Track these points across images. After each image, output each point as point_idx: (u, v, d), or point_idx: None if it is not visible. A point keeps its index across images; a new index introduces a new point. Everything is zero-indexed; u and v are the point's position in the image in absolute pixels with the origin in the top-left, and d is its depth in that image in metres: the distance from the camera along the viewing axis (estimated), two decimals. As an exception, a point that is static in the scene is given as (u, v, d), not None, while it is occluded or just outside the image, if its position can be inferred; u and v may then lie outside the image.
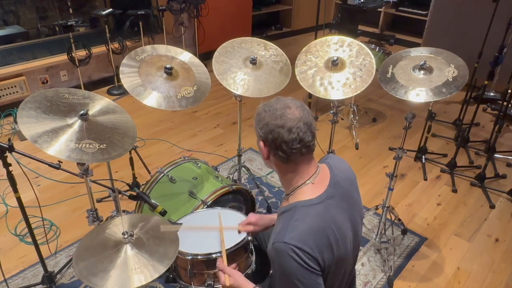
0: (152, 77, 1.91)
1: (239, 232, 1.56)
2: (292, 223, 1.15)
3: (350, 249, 1.25)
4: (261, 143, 1.20)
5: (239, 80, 2.09)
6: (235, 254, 1.51)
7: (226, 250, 1.48)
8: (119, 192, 1.75)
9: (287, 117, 1.15)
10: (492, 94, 4.22)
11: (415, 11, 5.73)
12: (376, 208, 2.53)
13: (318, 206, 1.18)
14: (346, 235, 1.23)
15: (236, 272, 1.38)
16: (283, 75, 2.16)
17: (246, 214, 1.66)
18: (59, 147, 1.41)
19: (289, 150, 1.16)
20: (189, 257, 1.50)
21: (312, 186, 1.22)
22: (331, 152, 2.45)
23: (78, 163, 1.54)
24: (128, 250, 1.31)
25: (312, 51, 2.12)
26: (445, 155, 3.31)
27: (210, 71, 2.07)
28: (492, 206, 2.78)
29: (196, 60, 2.11)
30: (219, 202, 1.94)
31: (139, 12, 4.02)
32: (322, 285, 1.15)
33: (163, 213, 1.66)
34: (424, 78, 1.92)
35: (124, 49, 4.16)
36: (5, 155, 1.58)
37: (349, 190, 1.28)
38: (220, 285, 1.46)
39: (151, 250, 1.33)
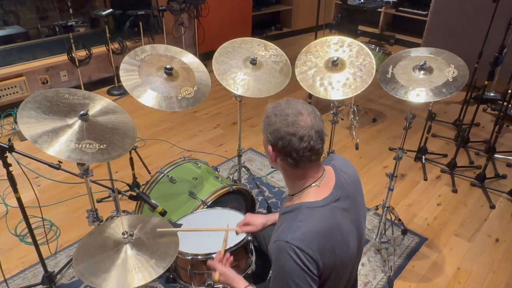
0: (152, 78, 1.91)
1: (237, 233, 1.54)
2: (296, 223, 1.14)
3: (352, 253, 1.25)
4: (270, 148, 1.19)
5: (239, 80, 2.09)
6: (235, 254, 1.51)
7: (226, 250, 1.49)
8: (119, 192, 1.75)
9: (299, 125, 1.13)
10: (492, 94, 4.22)
11: (415, 11, 5.72)
12: (376, 208, 2.53)
13: (323, 208, 1.17)
14: (349, 239, 1.22)
15: (227, 269, 1.37)
16: (283, 75, 2.16)
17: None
18: (59, 147, 1.41)
19: (298, 158, 1.15)
20: (189, 257, 1.50)
21: (318, 188, 1.21)
22: (331, 153, 2.45)
23: (78, 163, 1.54)
24: (128, 250, 1.31)
25: (312, 51, 2.12)
26: (445, 155, 3.31)
27: (210, 71, 2.07)
28: (492, 206, 2.78)
29: (196, 60, 2.11)
30: (219, 202, 1.94)
31: (139, 13, 4.01)
32: None
33: (163, 214, 1.66)
34: (424, 78, 1.92)
35: (124, 49, 4.16)
36: (5, 155, 1.58)
37: (354, 193, 1.27)
38: (220, 286, 1.46)
39: (151, 250, 1.33)
